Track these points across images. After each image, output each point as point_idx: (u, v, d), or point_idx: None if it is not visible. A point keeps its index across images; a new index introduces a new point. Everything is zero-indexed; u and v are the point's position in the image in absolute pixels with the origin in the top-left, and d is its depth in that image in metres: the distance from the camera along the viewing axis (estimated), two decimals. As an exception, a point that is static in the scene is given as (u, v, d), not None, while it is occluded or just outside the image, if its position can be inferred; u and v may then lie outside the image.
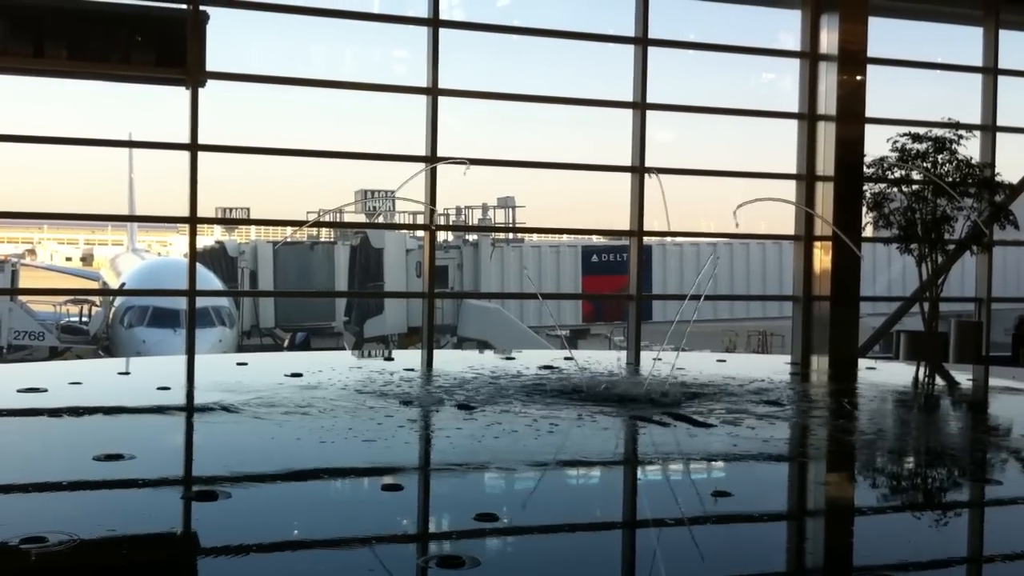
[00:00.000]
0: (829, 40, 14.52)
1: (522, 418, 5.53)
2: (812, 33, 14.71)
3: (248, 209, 29.01)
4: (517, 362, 8.51)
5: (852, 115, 14.43)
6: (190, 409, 6.15)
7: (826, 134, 14.58)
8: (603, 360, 8.14)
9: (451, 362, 9.76)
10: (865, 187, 14.56)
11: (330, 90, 15.20)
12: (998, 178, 14.94)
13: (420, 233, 23.56)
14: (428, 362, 9.65)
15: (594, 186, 31.00)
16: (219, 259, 28.70)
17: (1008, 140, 16.36)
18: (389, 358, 9.50)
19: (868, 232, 15.44)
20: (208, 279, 22.98)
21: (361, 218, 31.04)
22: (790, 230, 15.14)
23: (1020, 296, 22.66)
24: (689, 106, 16.04)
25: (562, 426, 5.43)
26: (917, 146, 14.44)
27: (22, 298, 25.07)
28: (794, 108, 15.01)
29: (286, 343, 27.71)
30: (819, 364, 11.74)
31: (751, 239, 29.64)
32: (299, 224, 22.69)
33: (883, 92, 15.59)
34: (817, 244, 14.74)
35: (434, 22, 13.26)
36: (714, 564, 3.35)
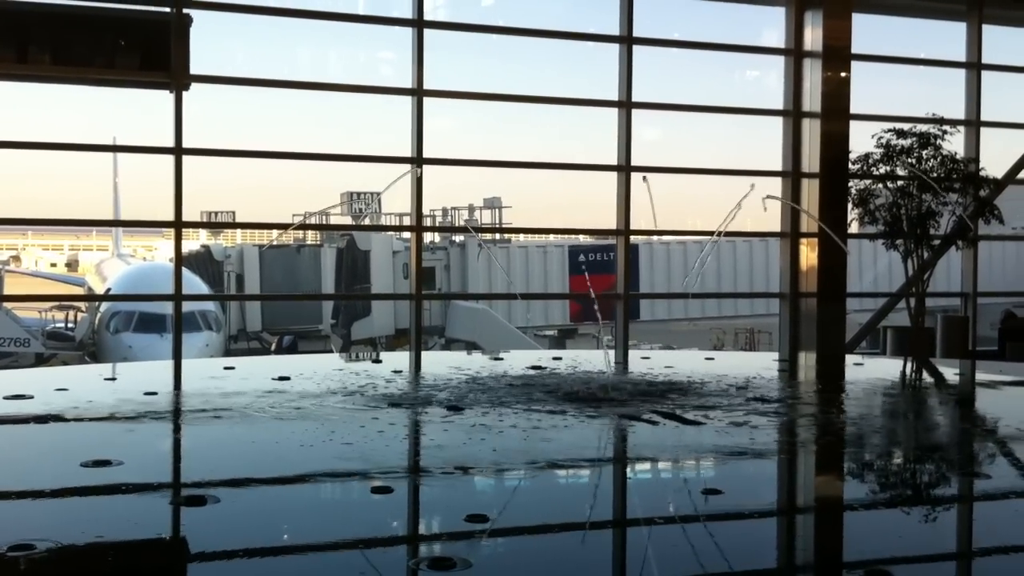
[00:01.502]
0: (813, 37, 14.56)
1: (510, 418, 5.52)
2: (796, 30, 14.73)
3: (234, 212, 28.97)
4: (504, 363, 8.49)
5: (837, 111, 14.46)
6: (177, 414, 6.12)
7: (811, 131, 14.61)
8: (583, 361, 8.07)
9: (439, 363, 9.75)
10: (851, 183, 14.60)
11: (315, 92, 15.18)
12: (982, 173, 14.99)
13: (407, 235, 23.55)
14: (416, 364, 9.63)
15: (581, 186, 31.05)
16: (205, 263, 28.62)
17: (992, 135, 16.42)
18: (377, 360, 9.48)
19: (854, 228, 15.47)
20: (194, 283, 22.90)
21: (347, 220, 31.00)
22: (776, 227, 15.16)
23: (1006, 290, 22.74)
24: (674, 104, 16.07)
25: (552, 426, 5.42)
26: (902, 142, 14.47)
27: (7, 305, 24.95)
28: (779, 105, 15.04)
29: (273, 347, 27.64)
30: (806, 360, 11.77)
31: (738, 236, 29.72)
32: (285, 227, 22.64)
33: (868, 88, 15.65)
34: (803, 241, 14.77)
35: (419, 23, 13.24)
36: (705, 562, 3.34)
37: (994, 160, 15.78)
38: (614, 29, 14.22)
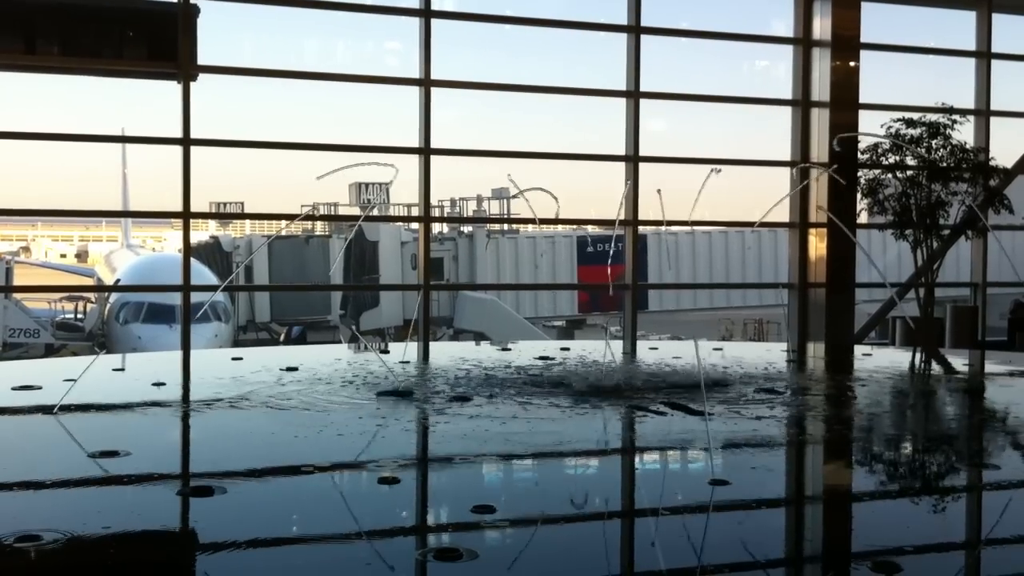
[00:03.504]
0: (822, 26, 14.51)
1: (518, 408, 5.52)
2: (805, 19, 14.69)
3: (242, 203, 28.99)
4: (512, 353, 8.50)
5: (846, 101, 14.42)
6: (186, 405, 6.13)
7: (820, 120, 14.58)
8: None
9: (447, 354, 9.74)
10: (859, 173, 14.55)
11: (323, 83, 15.17)
12: (992, 162, 14.93)
13: (415, 225, 23.55)
14: (424, 354, 9.63)
15: (589, 176, 30.91)
16: (214, 254, 28.64)
17: (1002, 124, 16.34)
18: (385, 351, 9.49)
19: (863, 218, 15.43)
20: (203, 274, 22.92)
21: (356, 211, 30.96)
22: (785, 218, 15.13)
23: (1015, 280, 22.63)
24: (683, 94, 16.02)
25: (558, 415, 5.41)
26: (911, 131, 14.42)
27: (17, 296, 25.02)
28: (788, 95, 15.00)
29: (282, 337, 27.66)
30: (815, 351, 11.74)
31: (746, 227, 29.64)
32: (293, 217, 22.65)
33: (877, 77, 15.59)
34: (812, 231, 14.74)
35: (426, 13, 13.23)
36: (713, 552, 3.33)
37: (1004, 149, 15.75)
38: (622, 19, 14.19)
